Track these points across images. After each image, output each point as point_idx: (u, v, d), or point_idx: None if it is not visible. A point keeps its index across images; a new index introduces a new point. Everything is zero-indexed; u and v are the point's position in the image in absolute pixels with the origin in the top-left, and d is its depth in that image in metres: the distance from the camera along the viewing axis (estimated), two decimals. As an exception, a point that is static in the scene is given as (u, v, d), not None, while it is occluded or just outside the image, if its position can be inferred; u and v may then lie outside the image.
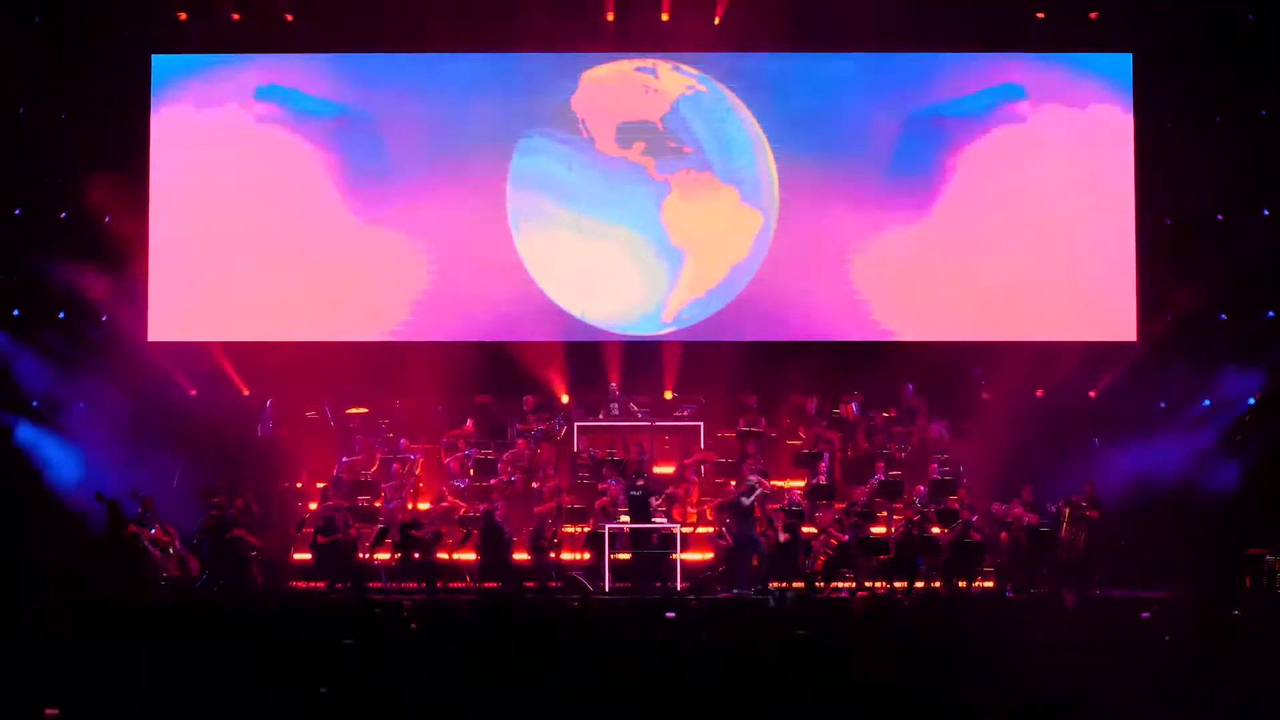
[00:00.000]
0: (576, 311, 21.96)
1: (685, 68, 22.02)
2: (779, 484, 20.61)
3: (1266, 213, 21.62)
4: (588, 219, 21.87)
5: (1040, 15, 21.57)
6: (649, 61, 22.05)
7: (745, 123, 21.99)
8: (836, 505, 20.04)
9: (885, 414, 21.98)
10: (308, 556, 19.73)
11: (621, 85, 22.08)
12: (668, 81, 22.04)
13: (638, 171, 21.90)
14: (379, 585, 19.24)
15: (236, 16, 21.55)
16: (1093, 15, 21.50)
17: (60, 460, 20.69)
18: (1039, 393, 21.80)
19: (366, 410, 21.99)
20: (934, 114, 21.90)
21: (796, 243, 21.95)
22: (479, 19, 21.57)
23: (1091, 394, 21.92)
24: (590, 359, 22.10)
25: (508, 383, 22.10)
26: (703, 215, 21.97)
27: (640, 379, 22.06)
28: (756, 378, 21.92)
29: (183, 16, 21.47)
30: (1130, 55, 21.79)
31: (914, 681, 10.05)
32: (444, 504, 20.10)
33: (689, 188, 21.93)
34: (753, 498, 19.05)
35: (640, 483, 19.82)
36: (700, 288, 22.02)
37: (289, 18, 21.73)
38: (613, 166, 21.89)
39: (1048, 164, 21.81)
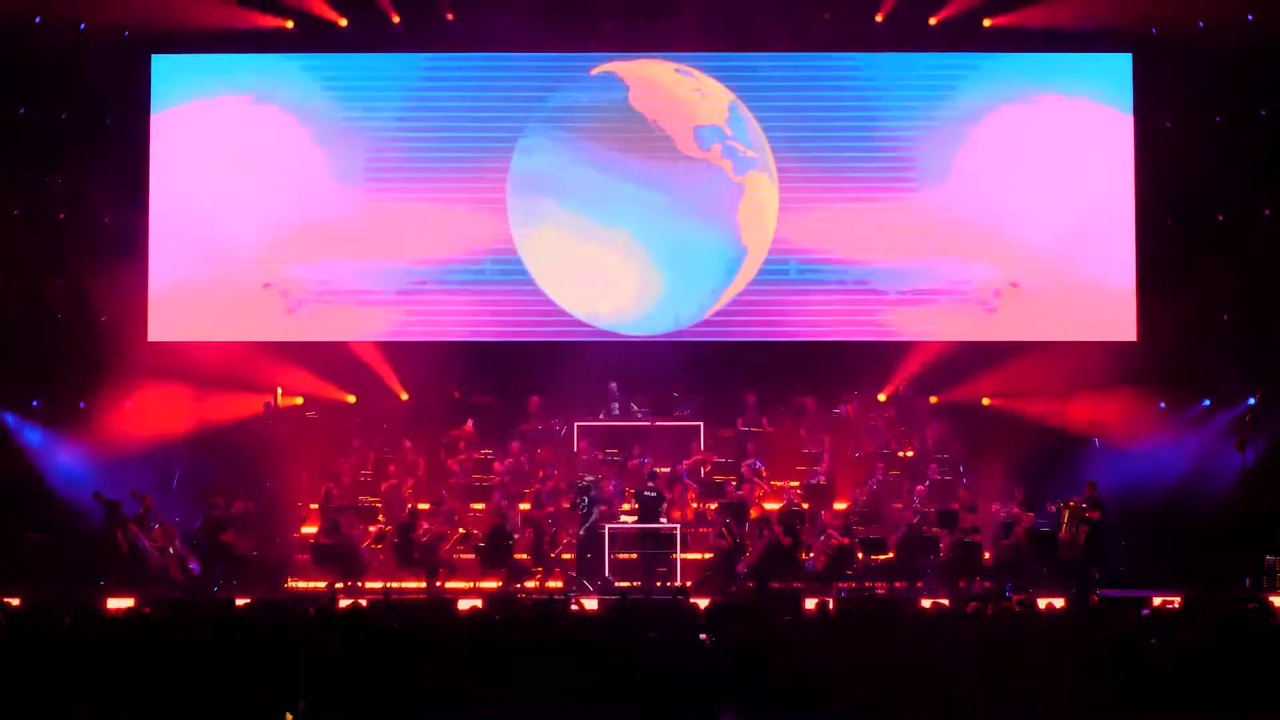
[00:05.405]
0: (583, 312, 21.99)
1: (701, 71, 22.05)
2: (778, 483, 20.64)
3: (1267, 213, 21.62)
4: (626, 221, 21.85)
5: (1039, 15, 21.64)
6: (683, 65, 22.06)
7: (754, 122, 22.02)
8: (836, 506, 20.06)
9: (885, 414, 21.97)
10: (308, 556, 19.72)
11: (675, 86, 22.04)
12: (709, 85, 22.05)
13: (717, 172, 21.91)
14: (379, 585, 19.26)
15: (237, 17, 21.58)
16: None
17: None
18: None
19: (355, 399, 22.03)
20: (934, 114, 21.91)
21: (797, 242, 21.97)
22: (479, 19, 21.60)
23: (1090, 395, 21.90)
24: (597, 360, 22.08)
25: (511, 383, 22.09)
26: (766, 213, 21.96)
27: (660, 382, 22.00)
28: (757, 377, 21.95)
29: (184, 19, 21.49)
30: (1130, 55, 21.80)
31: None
32: (443, 504, 20.08)
33: (757, 188, 21.95)
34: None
35: (651, 485, 19.82)
36: (743, 283, 22.06)
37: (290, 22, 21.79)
38: (694, 167, 21.88)
39: (1047, 164, 21.82)
